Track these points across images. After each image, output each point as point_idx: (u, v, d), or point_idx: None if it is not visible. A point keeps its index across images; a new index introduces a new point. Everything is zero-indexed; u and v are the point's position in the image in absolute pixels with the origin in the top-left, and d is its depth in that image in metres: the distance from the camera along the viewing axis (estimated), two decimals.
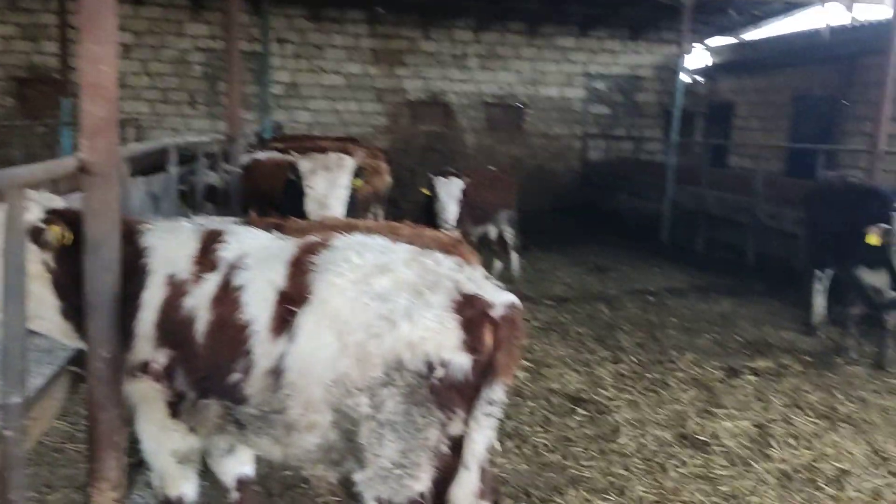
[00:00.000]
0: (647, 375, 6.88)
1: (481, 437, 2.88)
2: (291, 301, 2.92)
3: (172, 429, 3.20)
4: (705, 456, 5.28)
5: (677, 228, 13.94)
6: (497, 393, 2.86)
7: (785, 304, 9.67)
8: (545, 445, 5.34)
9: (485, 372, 2.82)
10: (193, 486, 3.42)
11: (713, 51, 19.61)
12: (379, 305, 2.81)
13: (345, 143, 11.60)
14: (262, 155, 9.04)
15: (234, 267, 3.08)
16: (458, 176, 8.98)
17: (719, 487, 4.82)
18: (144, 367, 3.11)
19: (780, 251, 11.27)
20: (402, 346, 2.75)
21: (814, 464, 5.17)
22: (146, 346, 3.11)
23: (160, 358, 3.10)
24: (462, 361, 2.78)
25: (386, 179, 10.41)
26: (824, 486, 4.87)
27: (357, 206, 7.60)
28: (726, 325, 8.73)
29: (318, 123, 17.98)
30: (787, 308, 9.49)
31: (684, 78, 15.07)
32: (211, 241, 3.20)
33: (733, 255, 12.44)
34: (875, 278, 7.03)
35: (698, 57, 19.40)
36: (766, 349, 7.79)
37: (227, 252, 3.14)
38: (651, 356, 7.47)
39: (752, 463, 5.17)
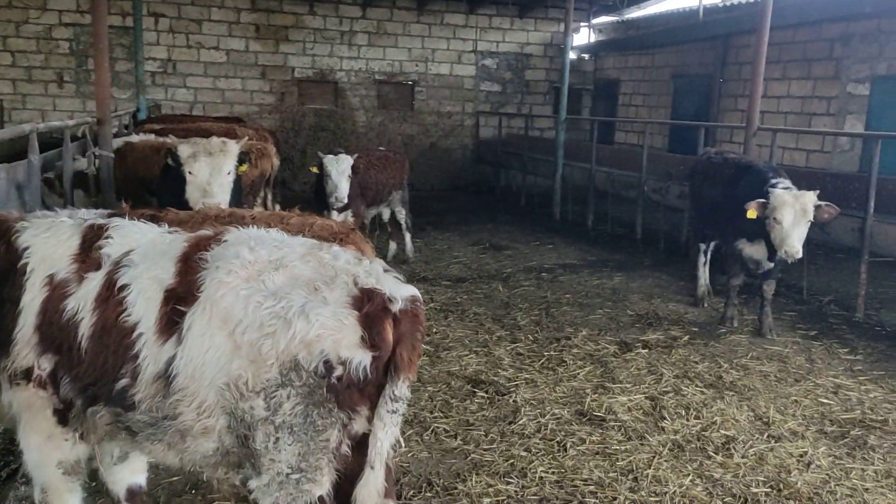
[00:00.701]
0: (545, 353, 7.03)
1: (386, 434, 2.82)
2: (180, 300, 2.78)
3: (60, 437, 3.06)
4: (603, 432, 5.45)
5: (568, 205, 14.27)
6: (401, 389, 2.80)
7: (672, 277, 10.09)
8: (446, 431, 5.38)
9: (387, 368, 2.75)
10: (79, 500, 3.28)
11: (598, 29, 20.11)
12: (273, 303, 2.69)
13: (229, 124, 11.24)
14: (136, 138, 8.60)
15: (118, 264, 2.93)
16: (348, 154, 8.86)
17: (617, 462, 4.99)
18: (27, 375, 2.96)
19: (666, 225, 11.74)
20: (297, 345, 2.65)
21: (703, 433, 5.43)
22: (28, 353, 2.95)
23: (44, 364, 2.95)
24: (362, 359, 2.69)
25: (274, 162, 10.15)
26: (713, 454, 5.12)
27: (243, 192, 7.37)
28: (618, 299, 9.03)
29: (200, 102, 17.31)
30: (674, 280, 9.91)
31: (571, 55, 15.37)
32: (93, 236, 3.04)
33: (622, 230, 12.86)
34: (754, 250, 7.42)
35: (584, 35, 19.85)
36: (657, 322, 8.11)
37: (110, 248, 2.99)
38: (547, 334, 7.64)
39: (647, 436, 5.38)
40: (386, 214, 10.65)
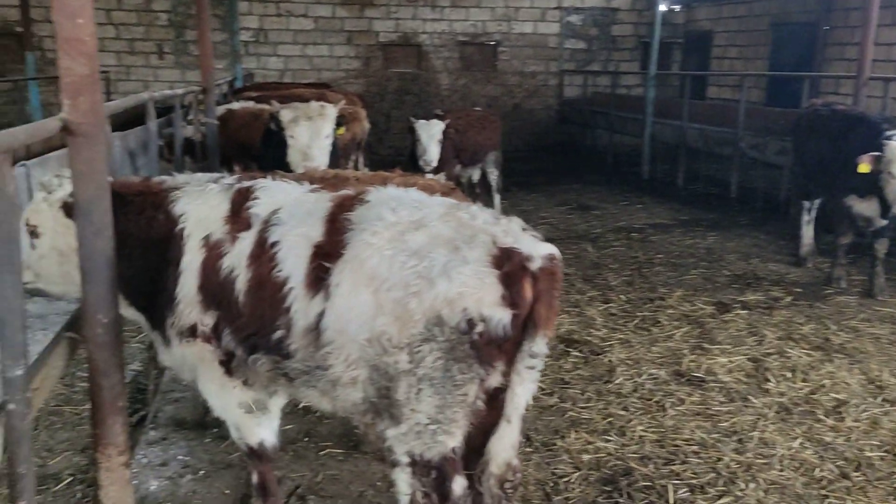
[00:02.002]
0: (638, 314, 6.89)
1: (523, 390, 2.87)
2: (326, 258, 2.90)
3: (230, 385, 3.28)
4: (703, 392, 5.32)
5: (658, 163, 13.87)
6: (539, 346, 2.81)
7: (770, 236, 9.71)
8: (542, 389, 5.31)
9: (525, 325, 2.77)
10: (272, 432, 3.48)
11: None
12: (416, 263, 2.75)
13: (320, 90, 11.35)
14: (236, 105, 8.80)
15: (267, 223, 3.08)
16: (440, 118, 8.88)
17: (720, 424, 4.86)
18: (193, 331, 3.18)
19: (763, 183, 11.28)
20: (441, 302, 2.70)
21: (812, 396, 5.23)
22: (191, 310, 3.16)
23: (206, 320, 3.16)
24: (502, 316, 2.72)
25: (365, 125, 10.23)
26: (823, 417, 4.92)
27: (338, 155, 7.45)
28: (713, 259, 8.75)
29: (290, 70, 17.56)
30: (772, 240, 9.53)
31: (661, 7, 14.79)
32: (242, 199, 3.22)
33: (716, 189, 12.43)
34: (865, 207, 7.04)
35: None
36: (756, 282, 7.83)
37: (258, 208, 3.16)
38: (640, 294, 7.48)
39: (751, 398, 5.22)
40: (476, 175, 10.60)
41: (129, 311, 3.41)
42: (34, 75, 14.72)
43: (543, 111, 19.06)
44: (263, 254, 3.02)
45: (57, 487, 4.08)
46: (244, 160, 7.88)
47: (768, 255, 8.89)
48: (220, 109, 8.19)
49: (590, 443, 4.61)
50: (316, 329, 2.90)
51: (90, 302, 2.88)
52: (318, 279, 2.89)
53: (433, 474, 2.91)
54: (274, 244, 3.00)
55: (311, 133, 6.20)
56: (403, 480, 2.97)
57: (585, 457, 4.42)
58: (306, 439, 4.59)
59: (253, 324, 3.05)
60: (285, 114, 6.26)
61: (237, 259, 3.08)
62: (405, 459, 2.93)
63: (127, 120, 5.92)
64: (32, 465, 2.59)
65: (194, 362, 3.28)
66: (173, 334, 3.25)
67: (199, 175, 3.57)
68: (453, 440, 2.88)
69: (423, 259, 2.75)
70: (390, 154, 16.12)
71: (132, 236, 3.24)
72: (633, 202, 12.16)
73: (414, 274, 2.74)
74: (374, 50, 18.01)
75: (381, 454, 4.33)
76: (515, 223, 2.95)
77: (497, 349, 2.77)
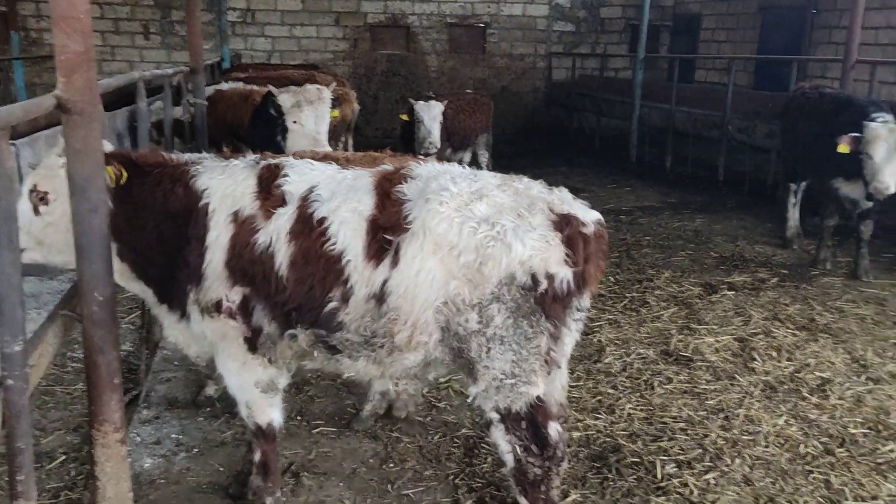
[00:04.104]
0: (627, 295, 6.95)
1: (571, 339, 3.24)
2: (386, 230, 3.04)
3: (253, 362, 3.34)
4: (690, 371, 5.39)
5: (646, 146, 13.92)
6: (585, 301, 3.19)
7: (757, 218, 9.80)
8: None
9: (578, 283, 3.06)
10: (280, 412, 3.55)
11: None
12: (487, 229, 2.97)
13: (309, 72, 11.32)
14: (225, 86, 8.77)
15: (306, 199, 3.17)
16: (437, 99, 8.91)
17: (706, 401, 4.93)
18: (218, 307, 3.22)
19: (751, 166, 11.35)
20: (514, 264, 2.95)
21: (796, 374, 5.31)
22: (218, 286, 3.21)
23: (233, 296, 3.20)
24: (566, 274, 3.01)
25: (354, 107, 10.24)
26: (808, 395, 5.01)
27: (329, 137, 7.46)
28: (701, 241, 8.83)
29: (277, 51, 17.41)
30: (759, 223, 9.62)
31: None
32: (270, 176, 3.28)
33: (703, 172, 12.49)
34: (851, 189, 7.11)
35: None
36: (742, 264, 7.91)
37: (290, 186, 3.23)
38: (629, 276, 7.55)
39: (737, 376, 5.30)
40: (466, 158, 10.63)
41: (134, 285, 3.45)
42: (19, 55, 14.56)
43: (531, 94, 19.03)
44: (310, 229, 3.10)
45: (51, 465, 4.10)
46: (232, 141, 7.85)
47: (755, 237, 8.98)
48: (209, 90, 8.15)
49: (580, 421, 4.67)
50: (380, 297, 3.04)
51: (86, 279, 2.89)
52: (381, 250, 3.04)
53: (524, 424, 3.14)
54: (322, 220, 3.10)
55: (316, 118, 6.23)
56: (500, 437, 3.19)
57: (576, 434, 4.48)
58: (299, 418, 4.63)
59: (297, 298, 3.12)
60: (286, 99, 6.26)
61: (274, 234, 3.14)
62: (495, 416, 3.16)
63: (111, 101, 5.87)
64: (31, 441, 2.61)
65: (215, 338, 3.32)
66: (195, 309, 3.28)
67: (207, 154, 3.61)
68: (537, 389, 3.12)
69: (494, 225, 2.98)
70: (377, 136, 16.08)
71: (147, 207, 3.28)
72: (621, 185, 12.22)
73: (486, 238, 2.97)
74: (362, 31, 17.89)
75: (374, 432, 4.44)
76: (566, 192, 3.25)
77: (561, 304, 3.05)
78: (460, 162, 10.45)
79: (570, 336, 3.22)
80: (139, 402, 4.80)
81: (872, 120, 6.62)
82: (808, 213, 8.65)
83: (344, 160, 4.31)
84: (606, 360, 5.55)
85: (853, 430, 4.55)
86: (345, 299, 3.08)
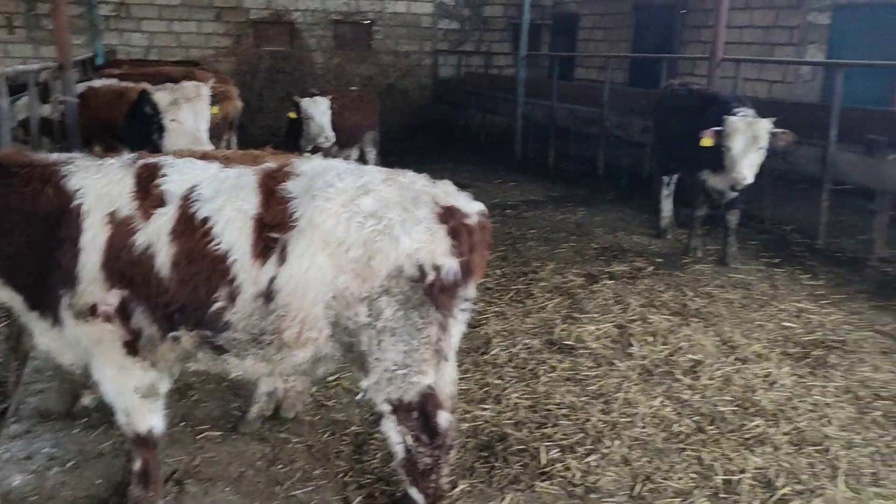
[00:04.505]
0: (512, 287, 7.10)
1: (458, 330, 3.32)
2: (272, 227, 3.04)
3: (132, 367, 3.26)
4: (573, 359, 5.56)
5: (529, 142, 14.24)
6: (471, 291, 3.25)
7: (635, 210, 10.21)
8: None
9: (464, 273, 3.12)
10: (160, 418, 3.48)
11: None
12: (374, 223, 3.01)
13: (189, 68, 10.96)
14: (98, 83, 8.38)
15: (188, 199, 3.10)
16: (321, 96, 8.86)
17: (588, 387, 5.11)
18: (93, 310, 3.11)
19: (628, 160, 11.80)
20: (402, 256, 3.00)
21: (671, 357, 5.57)
22: (94, 289, 3.09)
23: (111, 299, 3.11)
24: (452, 265, 3.07)
25: (237, 104, 9.99)
26: (681, 376, 5.27)
27: (210, 135, 7.27)
28: (583, 233, 9.12)
29: (155, 47, 16.77)
30: (637, 214, 10.03)
31: None
32: (148, 175, 3.20)
33: (584, 167, 12.90)
34: (717, 181, 7.52)
35: None
36: (621, 254, 8.22)
37: (170, 185, 3.15)
38: (515, 268, 7.71)
39: (616, 362, 5.51)
40: (354, 155, 10.58)
41: (1, 292, 3.29)
42: None
43: (418, 91, 19.13)
44: (192, 229, 3.04)
45: None
46: (107, 140, 7.52)
47: (633, 229, 9.35)
48: (81, 87, 7.77)
49: (467, 412, 4.74)
50: (268, 295, 3.02)
51: None
52: (268, 248, 3.03)
53: (415, 414, 3.20)
54: (205, 219, 3.05)
55: (196, 115, 6.07)
56: (392, 429, 3.25)
57: (464, 425, 4.55)
58: (182, 423, 4.48)
59: (180, 299, 3.06)
60: (162, 96, 6.06)
61: (155, 235, 3.07)
62: (387, 407, 3.22)
63: None
64: None
65: (90, 344, 3.21)
66: (69, 314, 3.16)
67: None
68: (428, 378, 3.20)
69: (381, 219, 3.03)
70: (264, 134, 15.73)
71: (14, 210, 3.13)
72: (506, 180, 12.46)
73: (373, 232, 3.00)
74: (245, 27, 17.47)
75: (261, 434, 4.36)
76: (449, 185, 3.33)
77: (448, 294, 3.11)
78: (347, 159, 10.48)
79: (458, 326, 3.30)
80: (8, 417, 4.53)
81: (733, 114, 7.02)
82: (680, 205, 9.08)
83: (224, 159, 4.23)
84: (493, 352, 5.66)
85: (722, 408, 4.82)
86: (231, 299, 3.06)
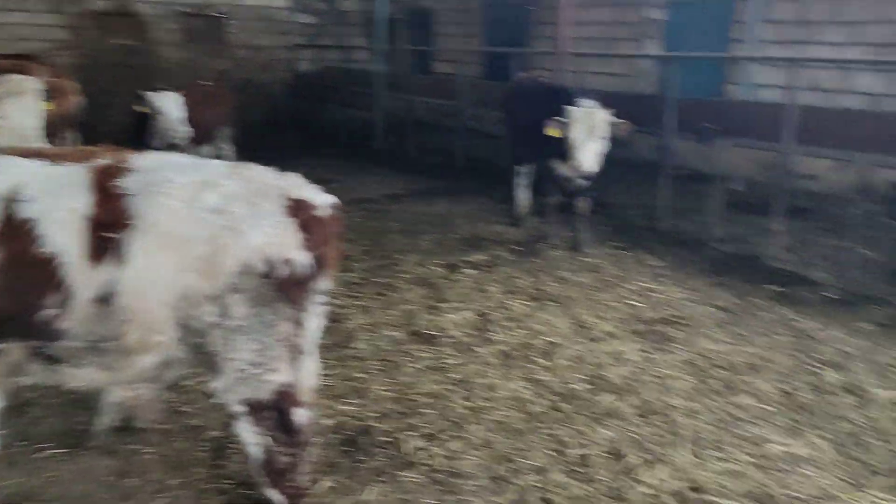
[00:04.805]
0: (375, 280, 7.12)
1: (315, 324, 3.25)
2: (108, 227, 2.88)
3: None
4: (435, 348, 5.64)
5: (390, 136, 14.26)
6: (326, 284, 3.20)
7: (493, 201, 10.44)
8: None
9: (317, 266, 3.08)
10: None
11: None
12: (218, 219, 2.92)
13: (20, 62, 10.21)
14: None
15: (12, 200, 2.88)
16: (171, 90, 8.53)
17: (450, 375, 5.20)
18: None
19: (486, 152, 12.05)
20: (248, 252, 2.92)
21: (529, 341, 5.76)
22: None
23: None
24: (303, 258, 3.01)
25: (74, 100, 9.40)
26: (538, 358, 5.46)
27: (46, 132, 6.84)
28: (444, 224, 9.25)
29: None
30: (495, 204, 10.26)
31: None
32: None
33: (444, 159, 13.06)
34: (565, 169, 7.82)
35: None
36: (481, 244, 8.40)
37: None
38: (378, 262, 7.72)
39: (476, 349, 5.63)
40: (210, 152, 10.24)
41: None
42: None
43: (276, 86, 18.71)
44: (16, 232, 2.84)
45: None
46: None
47: (492, 218, 9.57)
48: None
49: (331, 408, 4.71)
50: (106, 299, 2.86)
51: None
52: (104, 249, 2.85)
53: (271, 413, 3.15)
54: (31, 220, 2.85)
55: (24, 111, 5.67)
56: (247, 430, 3.18)
57: (328, 422, 4.51)
58: (23, 442, 4.19)
59: (6, 309, 2.86)
60: None
61: None
62: (241, 408, 3.14)
63: None
64: None
65: None
66: None
67: None
68: (282, 376, 3.13)
69: (226, 215, 2.94)
70: (112, 131, 14.90)
71: None
72: (368, 174, 12.44)
73: (219, 228, 2.92)
74: (85, 18, 16.46)
75: (110, 447, 4.15)
76: (298, 177, 3.26)
77: (300, 289, 3.05)
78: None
79: (315, 321, 3.24)
80: None
81: (575, 105, 7.34)
82: (536, 194, 9.37)
83: (55, 156, 3.99)
84: (357, 346, 5.65)
85: (575, 386, 5.03)
86: (63, 305, 2.88)
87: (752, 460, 4.20)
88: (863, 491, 3.93)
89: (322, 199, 3.20)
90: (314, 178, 3.40)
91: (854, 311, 6.43)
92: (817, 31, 10.45)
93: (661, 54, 12.34)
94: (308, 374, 3.36)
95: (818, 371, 5.30)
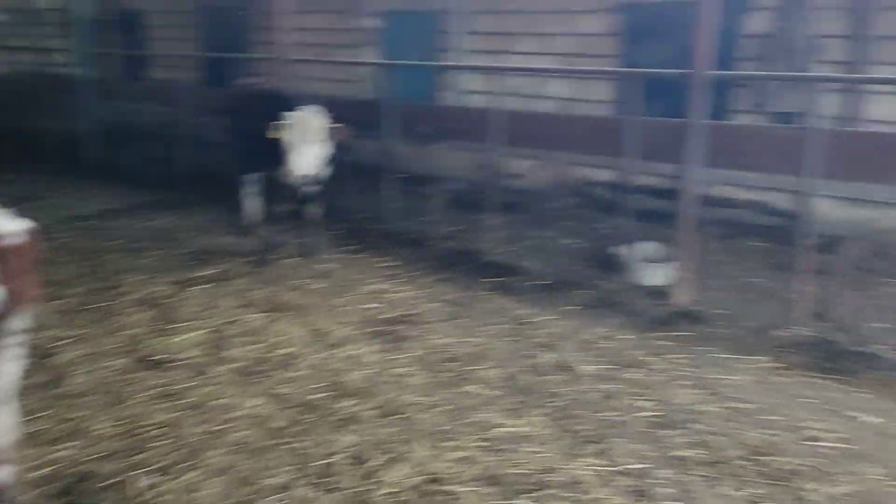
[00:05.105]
0: (94, 305, 6.60)
1: (11, 368, 2.96)
2: None
3: None
4: (165, 374, 5.34)
5: (102, 147, 13.20)
6: (22, 321, 2.95)
7: (223, 212, 10.07)
8: None
9: (10, 302, 2.83)
10: None
11: None
12: None
13: None
14: None
15: None
16: None
17: (183, 400, 4.94)
18: None
19: (211, 161, 11.58)
20: None
21: (266, 355, 5.65)
22: None
23: None
24: None
25: None
26: (276, 372, 5.37)
27: None
28: (170, 239, 8.77)
29: None
30: (225, 215, 9.89)
31: None
32: None
33: (168, 170, 12.35)
34: (288, 176, 7.74)
35: None
36: (211, 258, 8.07)
37: None
38: (96, 284, 7.14)
39: (211, 369, 5.42)
40: None
41: None
42: None
43: None
44: None
45: None
46: None
47: (222, 230, 9.24)
48: None
49: (45, 455, 4.27)
50: None
51: None
52: None
53: None
54: None
55: None
56: None
57: (39, 473, 4.08)
58: None
59: None
60: None
61: None
62: None
63: None
64: None
65: None
66: None
67: None
68: None
69: None
70: None
71: None
72: (80, 189, 11.41)
73: None
74: None
75: None
76: None
77: None
78: None
79: (10, 365, 2.94)
80: None
81: (292, 111, 7.34)
82: (267, 202, 9.19)
83: None
84: (74, 381, 5.19)
85: (313, 396, 5.03)
86: None
87: (482, 444, 4.48)
88: (578, 460, 4.36)
89: (13, 226, 2.89)
90: (16, 195, 3.08)
91: (562, 296, 7.11)
92: (514, 42, 11.40)
93: (377, 62, 12.72)
94: (5, 429, 3.03)
95: (535, 354, 5.80)
